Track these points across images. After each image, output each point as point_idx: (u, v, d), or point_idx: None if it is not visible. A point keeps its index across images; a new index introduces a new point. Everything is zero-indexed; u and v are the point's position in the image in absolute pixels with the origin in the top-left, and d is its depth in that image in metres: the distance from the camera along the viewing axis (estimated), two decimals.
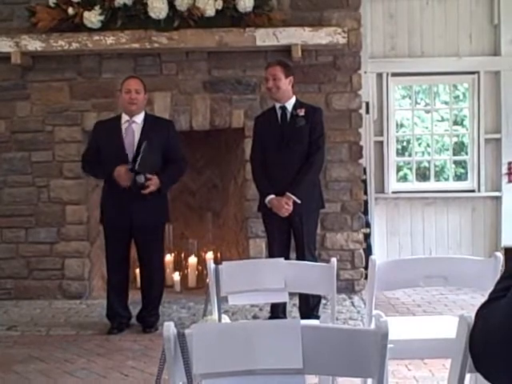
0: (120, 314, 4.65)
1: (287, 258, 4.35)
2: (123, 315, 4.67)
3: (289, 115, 4.47)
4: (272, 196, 4.39)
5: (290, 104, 4.48)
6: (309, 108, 4.53)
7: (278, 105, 4.49)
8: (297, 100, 4.53)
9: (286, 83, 4.43)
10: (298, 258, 4.40)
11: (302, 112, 4.45)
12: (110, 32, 5.28)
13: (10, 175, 5.59)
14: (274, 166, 4.42)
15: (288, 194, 4.35)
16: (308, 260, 4.14)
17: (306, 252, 4.42)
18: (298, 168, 4.40)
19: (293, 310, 4.80)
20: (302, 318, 4.31)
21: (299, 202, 4.36)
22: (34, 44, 5.29)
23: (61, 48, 5.31)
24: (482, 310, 1.01)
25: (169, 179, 4.57)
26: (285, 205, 4.34)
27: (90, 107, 5.54)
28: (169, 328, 1.56)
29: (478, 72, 6.52)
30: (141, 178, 4.37)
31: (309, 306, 4.47)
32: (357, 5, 5.56)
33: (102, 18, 5.25)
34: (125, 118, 4.59)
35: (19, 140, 5.58)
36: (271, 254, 4.51)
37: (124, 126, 4.56)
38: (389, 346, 1.56)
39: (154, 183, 4.43)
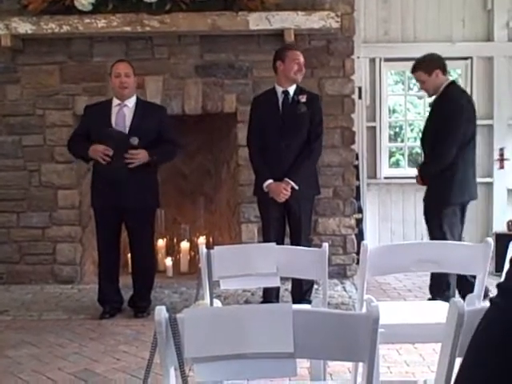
0: (112, 298, 4.65)
1: (282, 243, 4.37)
2: (115, 300, 4.67)
3: (290, 100, 4.45)
4: (270, 181, 4.37)
5: (291, 89, 4.46)
6: (309, 94, 4.52)
7: (280, 89, 4.46)
8: (297, 85, 4.51)
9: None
10: (292, 244, 4.39)
11: (303, 98, 4.44)
12: (102, 15, 5.23)
13: (0, 159, 5.56)
14: (273, 151, 4.40)
15: (287, 179, 4.35)
16: (303, 246, 4.14)
17: (302, 238, 4.43)
18: (296, 154, 4.39)
19: (284, 295, 4.82)
20: (294, 302, 4.32)
21: (297, 188, 4.36)
22: (24, 27, 5.24)
23: (51, 31, 5.26)
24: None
25: (159, 154, 4.49)
26: (283, 190, 4.34)
27: (81, 91, 5.50)
28: (160, 312, 1.56)
29: (471, 58, 6.51)
30: (134, 140, 4.35)
31: (301, 290, 4.50)
32: None
33: (93, 0, 5.20)
34: (116, 101, 4.56)
35: (10, 124, 5.54)
36: (266, 239, 4.49)
37: (115, 110, 4.54)
38: (380, 330, 1.57)
39: (141, 156, 4.38)
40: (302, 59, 4.47)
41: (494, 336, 0.98)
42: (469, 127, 4.47)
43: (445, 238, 4.34)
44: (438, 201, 4.48)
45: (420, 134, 5.02)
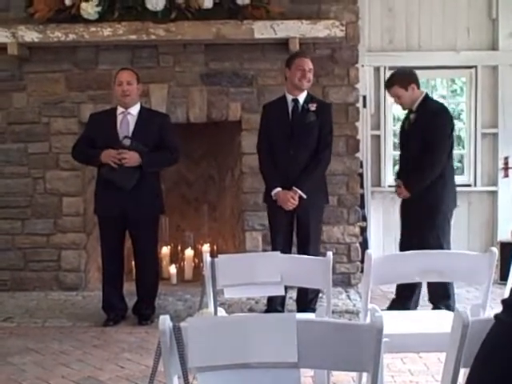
0: (116, 305, 4.65)
1: (289, 252, 4.39)
2: (119, 307, 4.67)
3: (300, 109, 4.45)
4: (279, 189, 4.37)
5: (301, 97, 4.46)
6: (319, 103, 4.53)
7: (290, 97, 4.46)
8: (308, 94, 4.51)
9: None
10: (299, 254, 4.37)
11: (313, 107, 4.43)
12: (107, 23, 5.26)
13: (6, 166, 5.58)
14: (282, 159, 4.40)
15: (295, 188, 4.34)
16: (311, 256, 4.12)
17: (309, 249, 4.40)
18: (305, 163, 4.38)
19: (289, 303, 4.81)
20: (299, 311, 4.32)
21: (305, 197, 4.35)
22: (30, 35, 5.27)
23: (57, 39, 5.29)
24: None
25: (152, 158, 4.47)
26: (290, 199, 4.34)
27: (86, 99, 5.53)
28: (164, 321, 1.56)
29: (475, 66, 6.52)
30: (127, 141, 4.38)
31: (306, 299, 4.49)
32: None
33: (99, 9, 5.23)
34: (120, 109, 4.58)
35: (15, 131, 5.56)
36: (273, 247, 4.49)
37: (119, 118, 4.56)
38: (384, 339, 1.57)
39: (132, 157, 4.38)
40: (307, 66, 4.45)
41: (500, 351, 0.98)
42: (452, 136, 4.61)
43: (441, 247, 4.40)
44: (432, 210, 4.50)
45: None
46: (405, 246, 4.51)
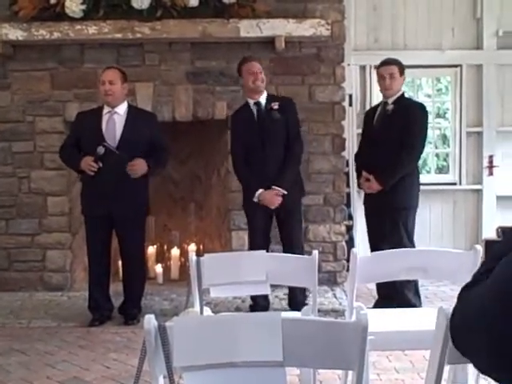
0: (102, 305, 4.63)
1: (268, 250, 4.46)
2: (105, 307, 4.65)
3: (263, 109, 4.56)
4: (261, 190, 4.45)
5: (263, 99, 4.59)
6: (281, 100, 4.65)
7: (251, 101, 4.59)
8: (268, 94, 4.66)
9: None
10: (285, 251, 4.46)
11: (276, 105, 4.55)
12: (92, 22, 5.23)
13: None
14: (257, 162, 4.50)
15: (274, 187, 4.44)
16: (296, 252, 4.16)
17: (294, 245, 4.50)
18: (279, 160, 4.49)
19: (274, 302, 4.82)
20: (293, 309, 4.36)
21: (286, 192, 4.45)
22: (15, 33, 5.23)
23: (42, 37, 5.25)
24: (463, 292, 1.02)
25: (155, 163, 4.52)
26: (275, 196, 4.43)
27: (71, 97, 5.49)
28: (149, 321, 1.55)
29: (460, 65, 6.56)
30: (100, 150, 4.36)
31: (297, 298, 4.58)
32: None
33: (83, 7, 5.20)
34: (106, 109, 4.56)
35: (0, 130, 5.52)
36: (253, 247, 4.54)
37: (105, 117, 4.54)
38: (369, 337, 1.58)
39: (139, 165, 4.38)
40: (257, 69, 4.55)
41: None
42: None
43: (411, 242, 4.53)
44: (403, 206, 4.56)
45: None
46: (375, 243, 4.56)
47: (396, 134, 4.48)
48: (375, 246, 4.49)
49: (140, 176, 4.43)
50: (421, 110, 4.63)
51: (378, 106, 4.83)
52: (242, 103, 4.75)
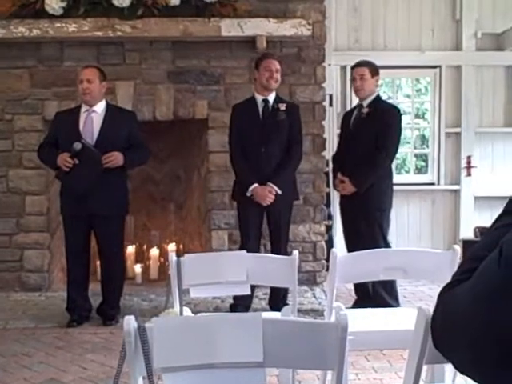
0: (80, 306, 4.59)
1: (259, 248, 4.61)
2: (83, 307, 4.61)
3: (270, 108, 4.58)
4: (256, 185, 4.47)
5: (271, 97, 4.61)
6: (288, 104, 4.70)
7: (260, 97, 4.60)
8: (277, 95, 4.67)
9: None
10: (273, 251, 4.52)
11: (283, 106, 4.60)
12: (72, 19, 5.18)
13: None
14: (255, 157, 4.52)
15: (270, 183, 4.46)
16: (283, 254, 4.21)
17: (282, 246, 4.59)
18: (277, 160, 4.53)
19: (254, 302, 4.82)
20: (273, 309, 4.36)
21: (280, 192, 4.48)
22: None
23: (21, 34, 5.19)
24: (444, 293, 1.03)
25: (132, 157, 4.50)
26: (268, 193, 4.45)
27: (50, 96, 5.43)
28: (129, 322, 1.54)
29: (439, 66, 6.62)
30: (77, 145, 4.32)
31: (278, 297, 4.60)
32: None
33: (63, 4, 5.15)
34: (84, 107, 4.54)
35: None
36: (245, 243, 4.57)
37: (83, 116, 4.51)
38: (349, 337, 1.58)
39: (115, 157, 4.36)
40: (275, 67, 4.58)
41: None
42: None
43: (386, 243, 4.57)
44: (377, 207, 4.61)
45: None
46: (350, 244, 4.60)
47: (371, 136, 4.53)
48: (351, 246, 4.54)
49: (117, 168, 4.39)
50: (395, 112, 4.69)
51: (354, 108, 4.88)
52: (248, 96, 4.73)
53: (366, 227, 4.54)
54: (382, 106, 4.69)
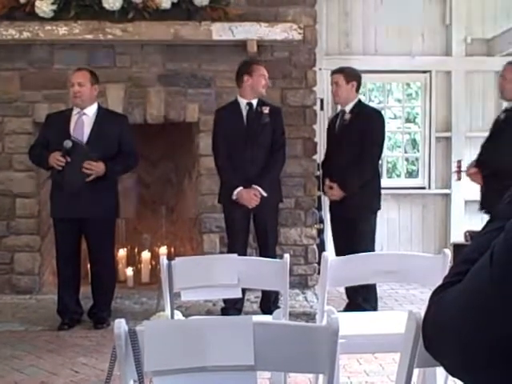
0: (71, 309, 4.57)
1: (246, 251, 4.59)
2: (74, 310, 4.60)
3: (254, 111, 4.62)
4: (240, 188, 4.49)
5: (255, 101, 4.65)
6: (271, 107, 4.71)
7: (244, 101, 4.63)
8: (259, 98, 4.68)
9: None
10: (262, 254, 4.54)
11: (266, 110, 4.62)
12: (63, 22, 5.17)
13: None
14: (240, 160, 4.54)
15: (255, 186, 4.48)
16: (271, 256, 4.22)
17: (269, 249, 4.61)
18: (262, 162, 4.56)
19: (246, 305, 4.81)
20: (265, 312, 4.36)
21: (265, 195, 4.50)
22: None
23: (11, 37, 5.17)
24: (436, 296, 1.03)
25: (115, 168, 4.48)
26: (253, 196, 4.47)
27: (41, 98, 5.41)
28: (120, 325, 1.54)
29: (430, 71, 6.65)
30: (68, 143, 4.31)
31: (269, 301, 4.60)
32: (312, 2, 5.59)
33: (54, 7, 5.14)
34: (76, 110, 4.54)
35: None
36: (231, 247, 4.57)
37: (74, 119, 4.50)
38: (340, 340, 1.58)
39: (96, 167, 4.34)
40: (267, 74, 4.68)
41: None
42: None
43: (373, 246, 4.61)
44: (365, 211, 4.63)
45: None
46: (339, 248, 4.61)
47: (356, 141, 4.56)
48: (339, 250, 4.55)
49: (97, 177, 4.37)
50: (377, 116, 4.73)
51: (338, 114, 4.91)
52: (231, 100, 4.77)
53: (353, 232, 4.56)
54: (364, 111, 4.72)
